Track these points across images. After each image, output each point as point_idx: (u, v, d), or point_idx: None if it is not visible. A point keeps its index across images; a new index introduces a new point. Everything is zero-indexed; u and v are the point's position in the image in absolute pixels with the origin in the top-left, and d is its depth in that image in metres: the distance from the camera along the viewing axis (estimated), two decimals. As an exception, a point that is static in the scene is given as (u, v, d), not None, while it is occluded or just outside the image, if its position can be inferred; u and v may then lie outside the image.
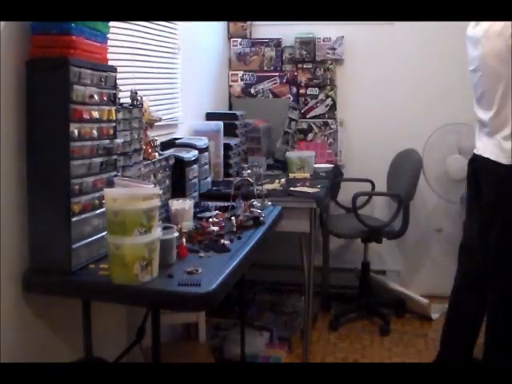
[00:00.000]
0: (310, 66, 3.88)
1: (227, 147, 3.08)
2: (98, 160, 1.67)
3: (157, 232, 1.57)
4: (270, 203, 2.47)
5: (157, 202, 1.57)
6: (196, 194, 2.52)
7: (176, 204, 2.07)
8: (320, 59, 3.85)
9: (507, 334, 2.28)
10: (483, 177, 2.44)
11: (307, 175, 3.26)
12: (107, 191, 1.58)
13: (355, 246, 3.80)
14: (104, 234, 1.69)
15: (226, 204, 2.43)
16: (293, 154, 3.43)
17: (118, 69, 1.78)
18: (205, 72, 3.53)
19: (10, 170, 1.58)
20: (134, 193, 1.55)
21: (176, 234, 1.71)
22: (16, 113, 1.59)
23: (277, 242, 2.64)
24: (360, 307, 3.59)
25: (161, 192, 1.63)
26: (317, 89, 3.88)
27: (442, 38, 3.73)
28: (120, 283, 1.52)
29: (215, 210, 2.34)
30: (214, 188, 2.83)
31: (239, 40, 3.96)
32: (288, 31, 3.87)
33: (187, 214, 2.06)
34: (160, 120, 2.37)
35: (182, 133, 3.01)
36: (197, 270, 1.63)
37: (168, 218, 2.09)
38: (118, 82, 1.77)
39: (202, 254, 1.80)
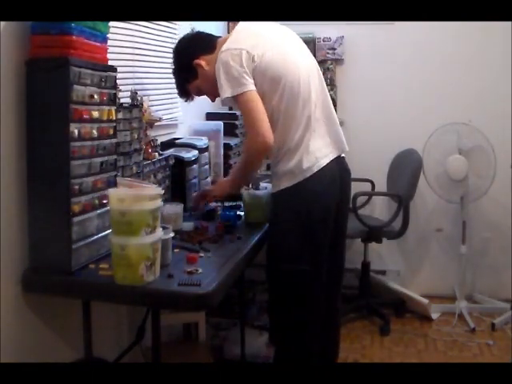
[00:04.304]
0: (309, 65, 3.88)
1: (227, 147, 3.08)
2: (98, 160, 1.67)
3: (160, 232, 1.58)
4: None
5: (160, 202, 1.58)
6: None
7: (168, 208, 2.06)
8: (320, 59, 3.84)
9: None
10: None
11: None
12: (112, 191, 1.58)
13: (355, 246, 3.80)
14: (104, 233, 1.70)
15: (226, 204, 2.43)
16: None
17: (118, 69, 1.78)
18: (205, 72, 3.52)
19: (10, 170, 1.58)
20: (141, 193, 1.56)
21: (172, 234, 1.71)
22: (16, 113, 1.59)
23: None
24: (360, 307, 3.59)
25: (163, 192, 1.63)
26: (317, 89, 3.87)
27: (442, 38, 3.73)
28: (125, 284, 1.52)
29: (215, 210, 2.34)
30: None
31: (239, 40, 3.95)
32: (288, 31, 3.86)
33: (179, 217, 2.06)
34: (160, 120, 2.37)
35: (182, 133, 3.01)
36: (197, 270, 1.63)
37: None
38: (118, 81, 1.77)
39: (201, 254, 1.80)
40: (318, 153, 1.98)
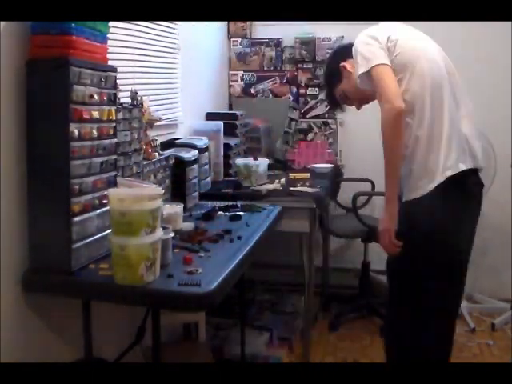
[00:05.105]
0: (310, 66, 3.88)
1: (227, 147, 3.08)
2: (98, 160, 1.67)
3: (160, 232, 1.58)
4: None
5: (160, 202, 1.58)
6: (196, 193, 2.52)
7: (168, 208, 2.05)
8: (320, 59, 3.85)
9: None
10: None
11: (307, 175, 3.24)
12: (112, 191, 1.58)
13: (355, 246, 3.80)
14: (104, 234, 1.70)
15: (226, 204, 2.43)
16: (240, 162, 3.01)
17: (118, 69, 1.78)
18: (205, 72, 3.53)
19: (10, 170, 1.58)
20: (141, 193, 1.56)
21: (172, 234, 1.71)
22: (16, 113, 1.59)
23: (277, 241, 2.64)
24: (360, 307, 3.59)
25: (163, 192, 1.63)
26: (317, 89, 3.88)
27: (442, 37, 3.72)
28: (125, 284, 1.52)
29: (215, 210, 2.34)
30: (214, 188, 2.83)
31: (239, 40, 3.96)
32: (288, 31, 3.87)
33: (179, 217, 2.06)
34: (160, 120, 2.37)
35: (182, 133, 3.01)
36: (197, 270, 1.63)
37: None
38: (118, 81, 1.77)
39: (201, 254, 1.80)
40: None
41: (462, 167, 1.88)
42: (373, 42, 1.92)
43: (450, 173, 1.86)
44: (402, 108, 1.84)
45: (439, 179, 1.86)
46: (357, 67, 1.96)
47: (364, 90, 2.05)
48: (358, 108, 2.25)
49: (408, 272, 1.93)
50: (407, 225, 1.89)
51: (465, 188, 1.90)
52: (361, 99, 2.20)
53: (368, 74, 1.92)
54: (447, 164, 1.86)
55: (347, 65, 2.16)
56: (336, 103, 2.30)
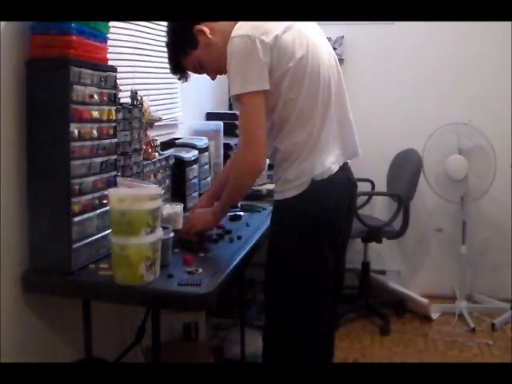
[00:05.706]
0: (310, 65, 3.88)
1: (227, 147, 3.08)
2: (98, 160, 1.67)
3: (160, 232, 1.58)
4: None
5: (160, 202, 1.58)
6: (196, 194, 2.52)
7: (168, 208, 2.05)
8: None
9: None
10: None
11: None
12: (112, 191, 1.58)
13: (355, 246, 3.80)
14: (104, 233, 1.70)
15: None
16: None
17: (118, 69, 1.78)
18: (205, 72, 3.53)
19: (10, 169, 1.58)
20: (141, 193, 1.56)
21: (172, 234, 1.71)
22: (16, 113, 1.59)
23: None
24: (360, 307, 3.59)
25: (163, 192, 1.63)
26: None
27: (442, 37, 3.74)
28: (125, 284, 1.52)
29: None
30: (214, 188, 2.83)
31: (239, 40, 3.95)
32: (288, 31, 3.87)
33: (179, 217, 2.06)
34: (160, 120, 2.37)
35: (182, 133, 3.01)
36: (197, 270, 1.63)
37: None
38: (118, 81, 1.77)
39: (201, 254, 1.80)
40: (331, 158, 1.76)
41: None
42: (253, 52, 1.62)
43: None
44: (262, 170, 1.71)
45: None
46: (230, 82, 1.67)
47: (224, 59, 1.68)
48: (213, 78, 1.88)
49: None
50: None
51: None
52: (220, 70, 1.81)
53: (236, 96, 1.68)
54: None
55: (205, 29, 1.74)
56: (182, 71, 1.86)
